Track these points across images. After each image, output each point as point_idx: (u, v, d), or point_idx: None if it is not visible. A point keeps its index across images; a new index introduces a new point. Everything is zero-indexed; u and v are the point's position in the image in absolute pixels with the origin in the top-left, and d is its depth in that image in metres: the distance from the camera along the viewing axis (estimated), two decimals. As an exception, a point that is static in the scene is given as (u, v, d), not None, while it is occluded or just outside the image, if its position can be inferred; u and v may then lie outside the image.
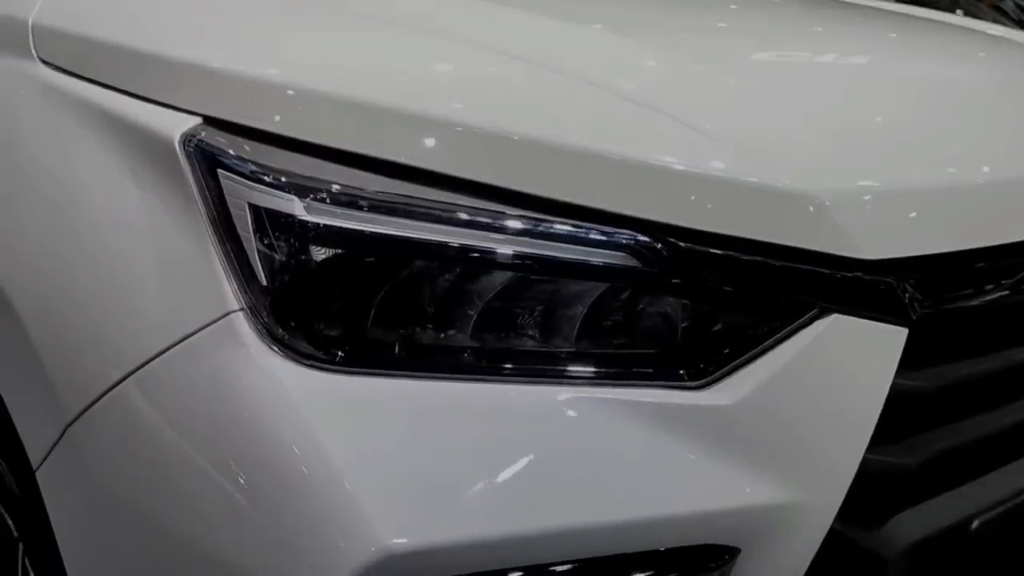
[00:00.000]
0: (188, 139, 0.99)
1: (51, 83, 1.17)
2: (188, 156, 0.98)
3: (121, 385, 0.96)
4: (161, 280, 0.98)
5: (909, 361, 0.99)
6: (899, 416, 1.00)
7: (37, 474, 1.07)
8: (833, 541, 0.97)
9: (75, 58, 1.17)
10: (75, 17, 1.22)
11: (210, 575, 0.91)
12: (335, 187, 0.93)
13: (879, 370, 0.98)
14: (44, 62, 1.21)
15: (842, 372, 0.97)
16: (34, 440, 1.07)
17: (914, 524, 1.03)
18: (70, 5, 1.25)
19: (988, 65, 1.47)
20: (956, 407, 1.07)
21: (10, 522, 1.23)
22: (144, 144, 1.03)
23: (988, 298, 1.08)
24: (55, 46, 1.21)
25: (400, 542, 0.83)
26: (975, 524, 1.07)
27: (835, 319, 0.96)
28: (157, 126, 1.02)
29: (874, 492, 1.00)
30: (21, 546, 1.21)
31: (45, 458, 1.05)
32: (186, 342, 0.93)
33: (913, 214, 1.01)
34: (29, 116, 1.19)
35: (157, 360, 0.95)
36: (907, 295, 0.99)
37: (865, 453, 0.97)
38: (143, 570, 0.97)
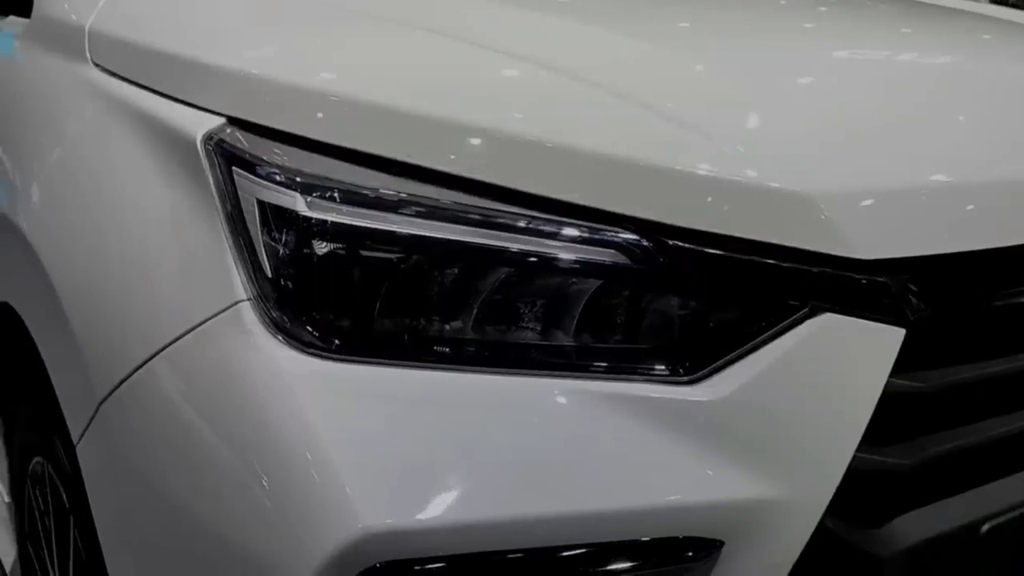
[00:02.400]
0: (209, 138, 1.05)
1: (100, 85, 1.26)
2: (208, 154, 1.04)
3: (144, 367, 1.03)
4: (182, 270, 1.05)
5: (907, 362, 0.99)
6: (896, 417, 1.00)
7: (77, 449, 1.15)
8: (824, 539, 0.98)
9: (121, 62, 1.25)
10: (124, 24, 1.30)
11: (217, 552, 0.96)
12: (337, 185, 0.97)
13: (873, 370, 0.98)
14: (96, 65, 1.29)
15: (833, 371, 0.97)
16: (74, 417, 1.15)
17: (915, 526, 1.02)
18: (122, 13, 1.33)
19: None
20: (959, 411, 1.06)
21: (64, 495, 1.32)
22: (174, 142, 1.09)
23: (994, 301, 1.06)
24: (106, 51, 1.29)
25: (380, 523, 0.87)
26: (985, 528, 1.06)
27: (828, 318, 0.97)
28: (184, 125, 1.08)
29: (869, 492, 1.00)
30: (71, 518, 1.30)
31: (83, 435, 1.13)
32: (200, 328, 0.99)
33: (914, 215, 1.00)
34: (79, 117, 1.27)
35: (174, 345, 1.01)
36: (905, 296, 0.99)
37: (858, 452, 0.97)
38: (163, 547, 1.04)
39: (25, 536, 1.57)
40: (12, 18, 1.65)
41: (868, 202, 0.99)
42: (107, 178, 1.17)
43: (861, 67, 1.26)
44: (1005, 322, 1.08)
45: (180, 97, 1.11)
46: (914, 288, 1.00)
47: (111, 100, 1.22)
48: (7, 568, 1.69)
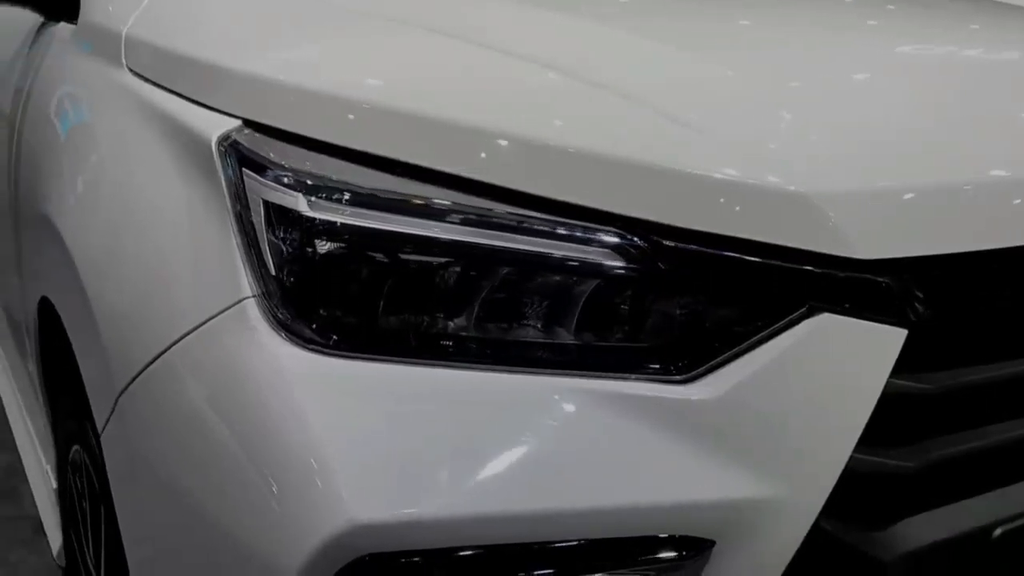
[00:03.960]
0: (224, 139, 1.08)
1: (133, 89, 1.31)
2: (221, 155, 1.08)
3: (156, 362, 1.07)
4: (195, 269, 1.08)
5: (910, 363, 0.98)
6: (900, 419, 0.99)
7: (101, 439, 1.20)
8: (822, 541, 0.97)
9: (150, 66, 1.29)
10: (156, 31, 1.34)
11: (221, 546, 0.99)
12: (339, 185, 1.00)
13: (872, 371, 0.96)
14: (130, 70, 1.34)
15: (831, 371, 0.96)
16: (99, 408, 1.20)
17: (920, 529, 1.01)
18: (155, 20, 1.38)
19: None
20: (967, 414, 1.04)
21: (96, 482, 1.38)
22: (193, 144, 1.13)
23: (1002, 302, 1.04)
24: (138, 56, 1.34)
25: (367, 515, 0.89)
26: (998, 533, 1.04)
27: (826, 318, 0.96)
28: (201, 127, 1.12)
29: (871, 494, 0.99)
30: (102, 505, 1.35)
31: (105, 425, 1.18)
32: (206, 325, 1.03)
33: (917, 214, 0.99)
34: (112, 120, 1.32)
35: (183, 341, 1.04)
36: (907, 296, 0.97)
37: (858, 454, 0.96)
38: (171, 537, 1.07)
39: (68, 521, 1.63)
40: (62, 24, 1.71)
41: (868, 202, 0.97)
42: (132, 179, 1.21)
43: (871, 66, 1.23)
44: (1013, 323, 1.06)
45: (200, 100, 1.15)
46: (917, 288, 0.98)
47: (141, 103, 1.26)
48: (54, 552, 1.76)
